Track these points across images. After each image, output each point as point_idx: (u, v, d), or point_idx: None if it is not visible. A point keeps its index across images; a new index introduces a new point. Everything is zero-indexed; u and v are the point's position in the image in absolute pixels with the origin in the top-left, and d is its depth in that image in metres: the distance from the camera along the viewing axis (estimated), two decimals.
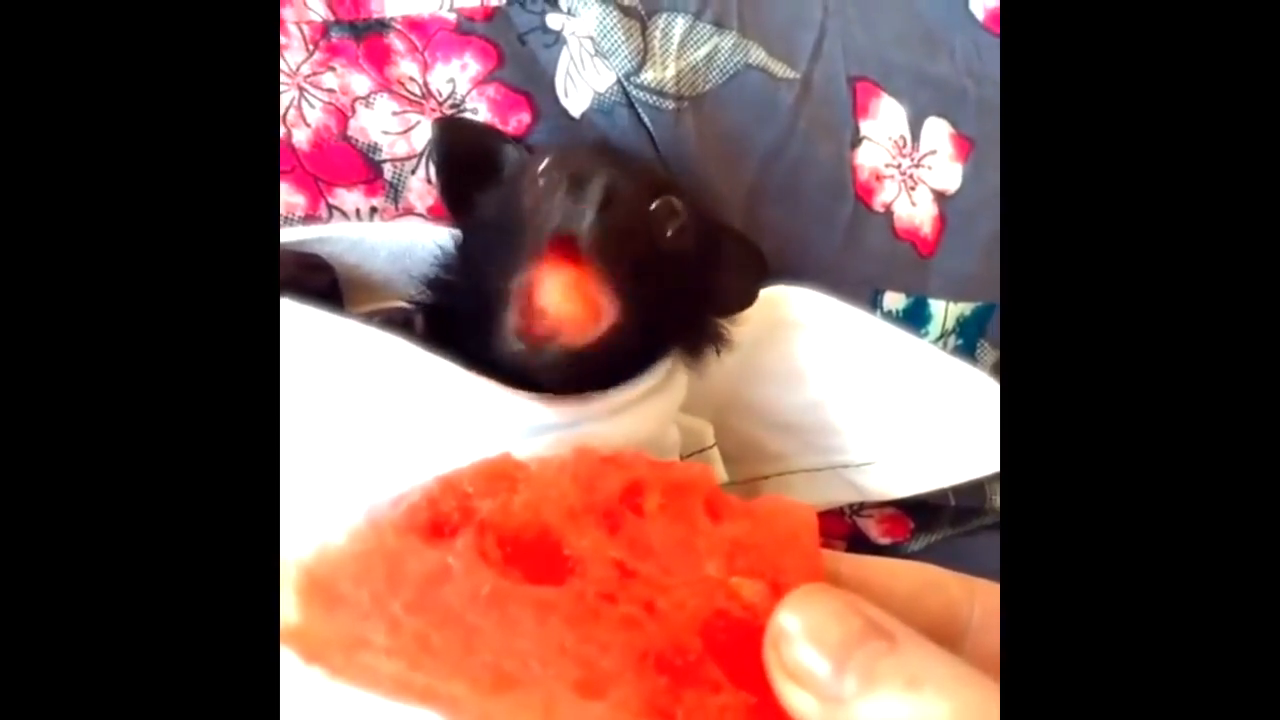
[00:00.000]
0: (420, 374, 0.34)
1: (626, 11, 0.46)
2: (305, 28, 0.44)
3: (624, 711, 0.21)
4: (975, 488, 0.55)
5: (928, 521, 0.58)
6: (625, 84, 0.46)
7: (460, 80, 0.46)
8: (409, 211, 0.46)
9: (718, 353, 0.41)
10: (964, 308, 0.56)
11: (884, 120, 0.53)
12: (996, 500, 0.57)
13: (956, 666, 0.21)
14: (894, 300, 0.54)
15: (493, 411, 0.34)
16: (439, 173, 0.44)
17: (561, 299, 0.31)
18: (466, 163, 0.42)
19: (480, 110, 0.46)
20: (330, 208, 0.45)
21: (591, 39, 0.46)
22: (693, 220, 0.37)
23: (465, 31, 0.46)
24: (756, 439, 0.48)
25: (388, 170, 0.46)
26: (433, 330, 0.38)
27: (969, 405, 0.44)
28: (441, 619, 0.21)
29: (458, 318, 0.37)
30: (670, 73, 0.47)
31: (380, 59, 0.45)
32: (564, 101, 0.47)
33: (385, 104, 0.45)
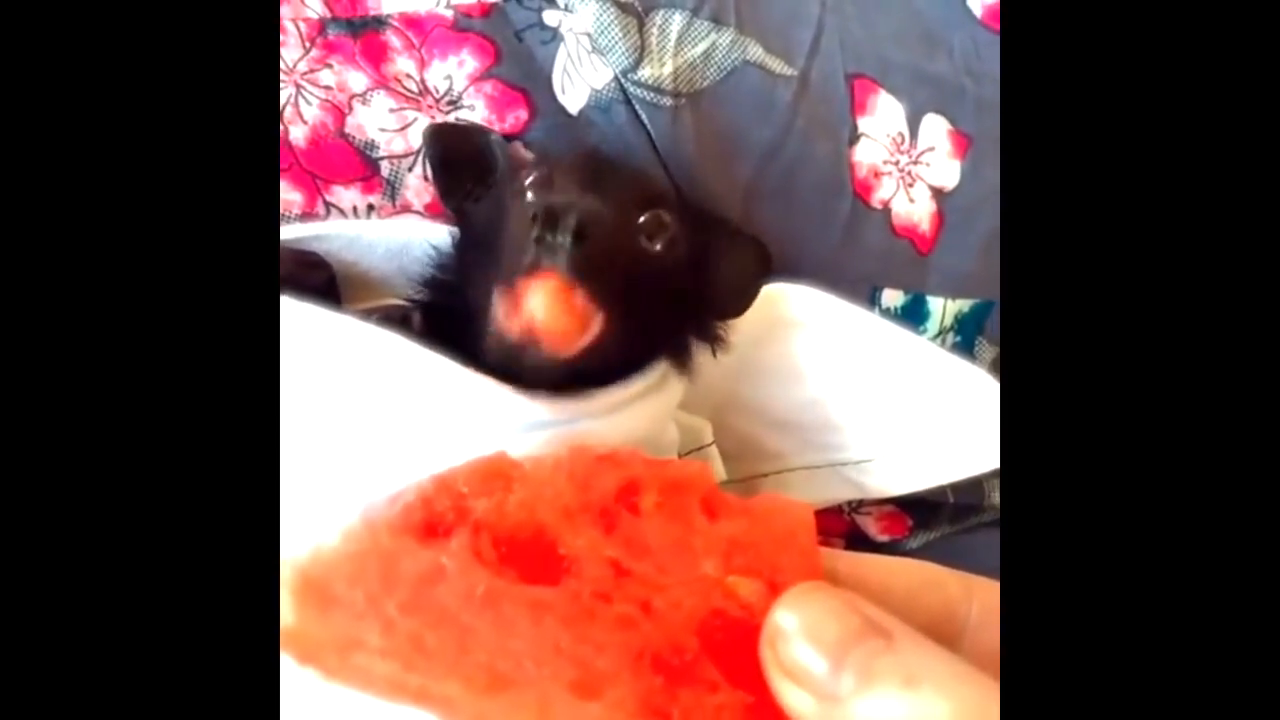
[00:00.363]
0: (418, 370, 0.34)
1: (624, 8, 0.46)
2: (302, 25, 0.44)
3: (620, 711, 0.21)
4: (974, 485, 0.55)
5: (926, 519, 0.58)
6: (622, 81, 0.46)
7: (457, 77, 0.46)
8: (406, 208, 0.46)
9: (714, 353, 0.41)
10: (962, 305, 0.56)
11: (882, 117, 0.53)
12: (995, 497, 0.57)
13: (954, 664, 0.21)
14: (892, 297, 0.54)
15: (489, 407, 0.34)
16: (435, 180, 0.44)
17: (545, 312, 0.31)
18: (460, 166, 0.42)
19: (477, 107, 0.46)
20: (327, 205, 0.45)
21: (589, 35, 0.46)
22: (684, 229, 0.37)
23: (462, 28, 0.46)
24: (755, 437, 0.48)
25: (385, 167, 0.46)
26: (430, 328, 0.38)
27: (967, 402, 0.44)
28: (436, 619, 0.21)
29: (454, 316, 0.37)
30: (667, 69, 0.47)
31: (377, 56, 0.45)
32: (561, 98, 0.47)
33: (382, 101, 0.45)
